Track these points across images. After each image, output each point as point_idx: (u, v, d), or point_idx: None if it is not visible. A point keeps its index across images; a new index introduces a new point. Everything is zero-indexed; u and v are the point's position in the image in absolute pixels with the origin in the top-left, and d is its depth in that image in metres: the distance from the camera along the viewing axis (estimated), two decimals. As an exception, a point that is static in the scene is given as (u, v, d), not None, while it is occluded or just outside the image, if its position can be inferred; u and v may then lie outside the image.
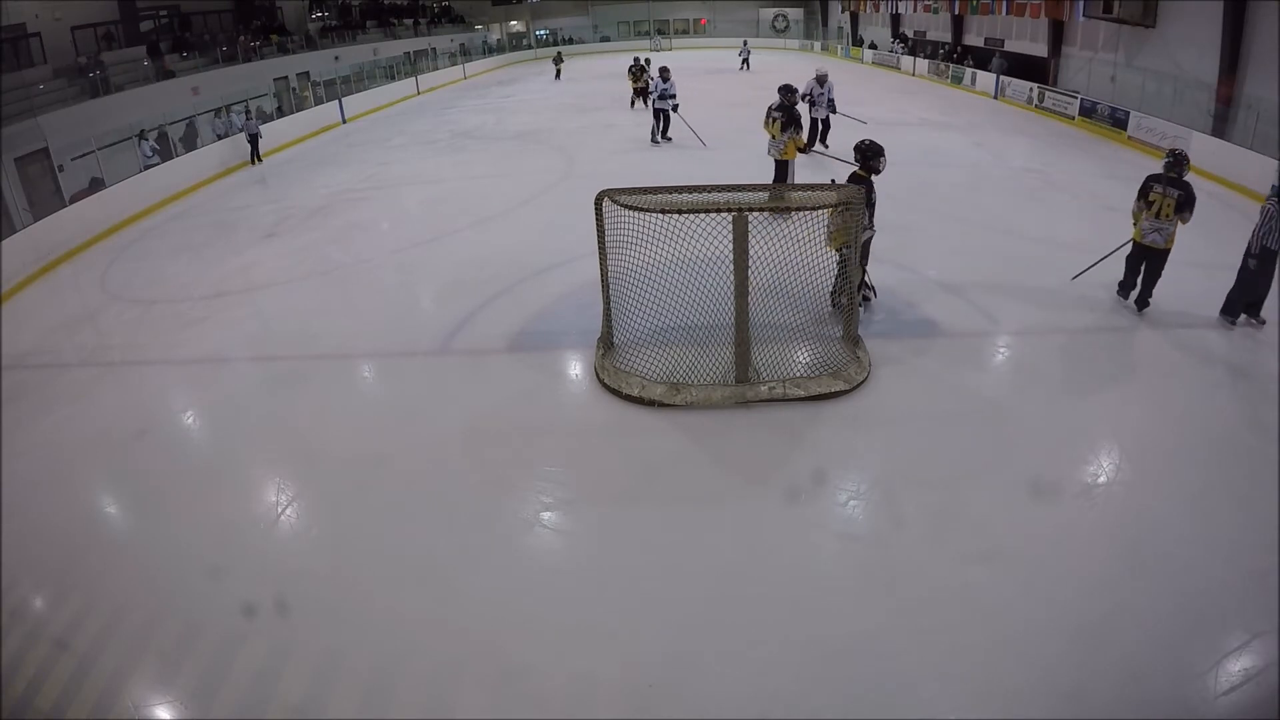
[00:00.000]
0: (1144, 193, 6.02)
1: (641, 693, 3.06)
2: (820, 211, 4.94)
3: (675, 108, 12.60)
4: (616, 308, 5.37)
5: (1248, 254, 5.62)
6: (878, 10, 27.01)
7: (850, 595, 3.51)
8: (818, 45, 32.86)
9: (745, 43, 27.35)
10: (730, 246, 4.80)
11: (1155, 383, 5.13)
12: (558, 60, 25.58)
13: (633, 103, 16.79)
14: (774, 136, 8.60)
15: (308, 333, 6.53)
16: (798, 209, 4.81)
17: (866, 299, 6.20)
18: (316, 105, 18.62)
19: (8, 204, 11.84)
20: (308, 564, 3.89)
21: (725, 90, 19.96)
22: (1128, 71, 14.10)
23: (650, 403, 4.97)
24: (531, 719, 2.98)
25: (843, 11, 31.47)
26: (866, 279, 6.11)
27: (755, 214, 4.71)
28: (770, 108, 8.65)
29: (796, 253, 4.97)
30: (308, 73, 21.63)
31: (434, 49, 29.10)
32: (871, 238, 5.96)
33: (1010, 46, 19.03)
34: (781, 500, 4.14)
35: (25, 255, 8.83)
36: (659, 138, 12.88)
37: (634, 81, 16.72)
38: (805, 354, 5.33)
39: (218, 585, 3.71)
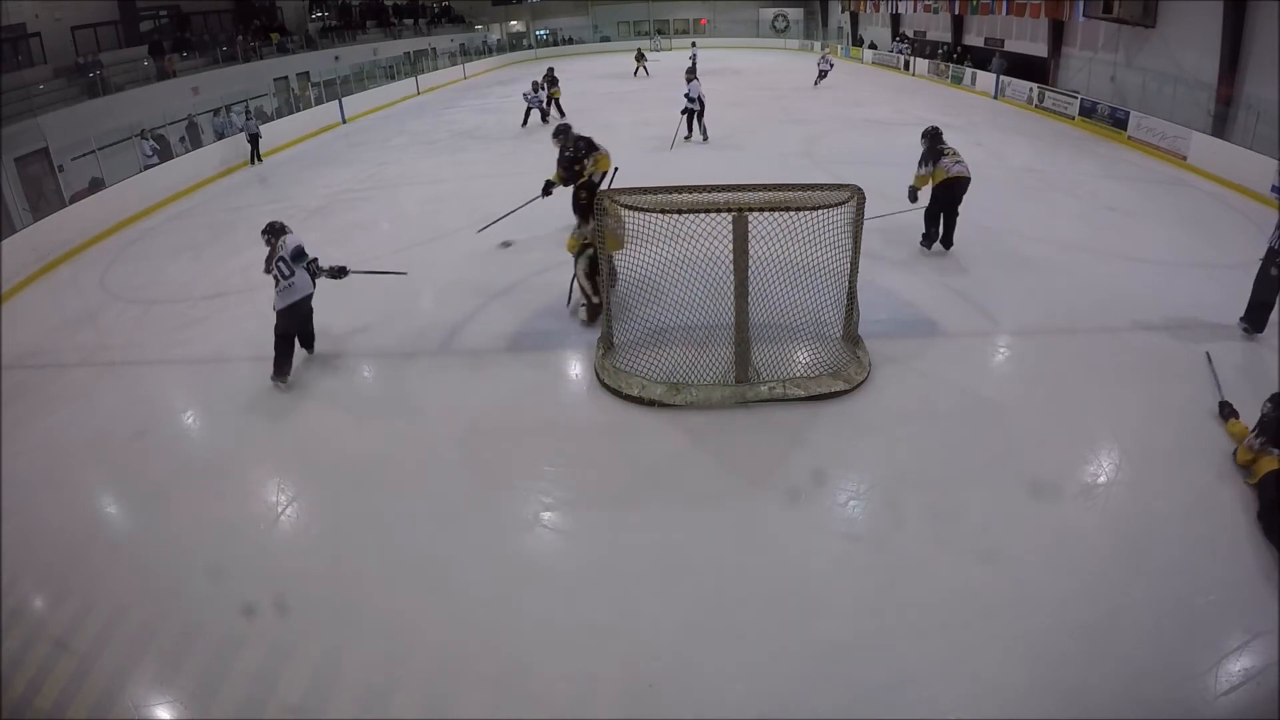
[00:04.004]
0: (936, 157, 7.00)
1: (641, 693, 3.06)
2: (820, 211, 4.93)
3: (685, 111, 12.95)
4: (616, 308, 5.37)
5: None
6: (878, 10, 27.02)
7: (850, 595, 3.51)
8: (818, 45, 32.85)
9: (694, 43, 26.94)
10: (730, 246, 4.80)
11: (1155, 383, 5.12)
12: (639, 56, 25.30)
13: (545, 116, 16.44)
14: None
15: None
16: (798, 209, 4.81)
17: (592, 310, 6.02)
18: (316, 105, 18.62)
19: (8, 204, 11.85)
20: (307, 564, 3.89)
21: (725, 91, 19.95)
22: (1128, 71, 14.10)
23: (650, 403, 4.97)
24: (531, 719, 2.98)
25: (843, 11, 31.48)
26: (585, 289, 6.03)
27: (755, 214, 4.71)
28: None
29: (797, 253, 4.97)
30: (308, 73, 21.63)
31: (434, 49, 29.09)
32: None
33: (1010, 46, 19.03)
34: (782, 500, 4.14)
35: (25, 255, 8.84)
36: (689, 136, 13.12)
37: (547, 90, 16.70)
38: (805, 354, 5.32)
39: (218, 585, 3.71)
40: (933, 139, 7.20)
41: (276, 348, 5.51)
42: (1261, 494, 3.82)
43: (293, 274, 5.47)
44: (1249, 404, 4.48)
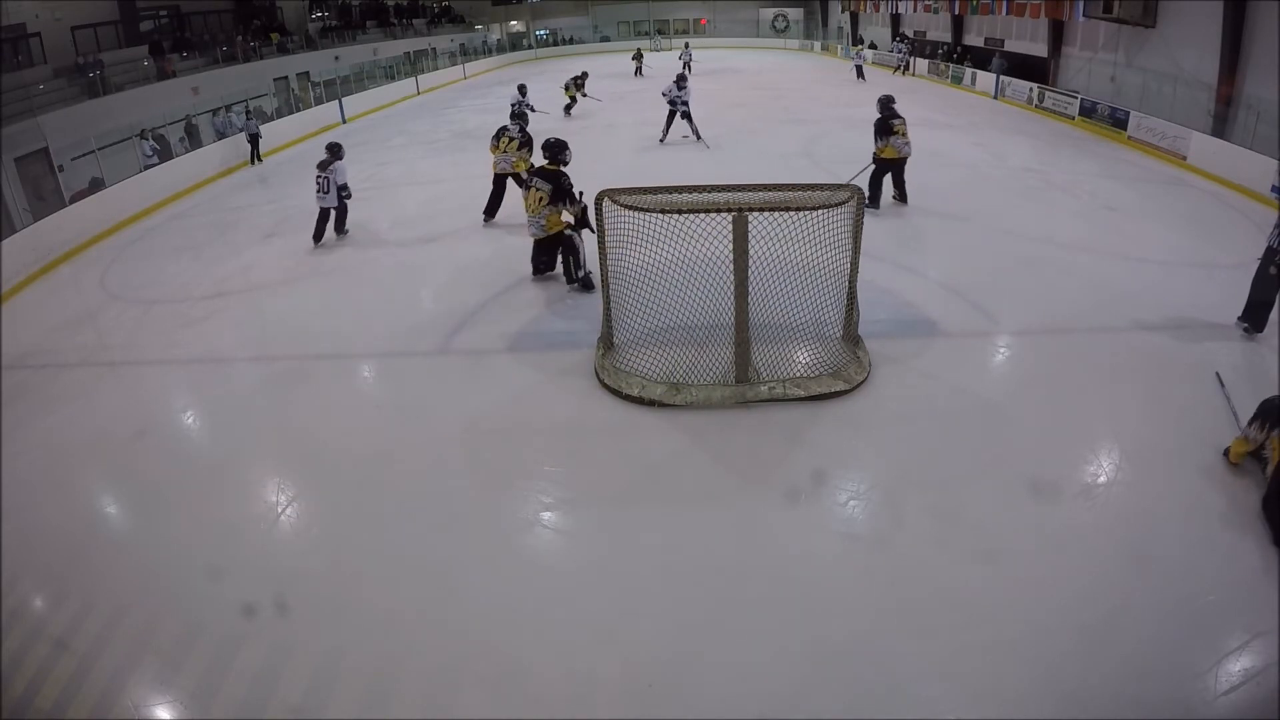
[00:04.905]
0: (889, 130, 8.40)
1: (641, 693, 3.06)
2: (820, 211, 4.93)
3: (682, 114, 13.04)
4: (616, 308, 5.37)
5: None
6: (878, 10, 27.03)
7: (850, 595, 3.51)
8: (817, 45, 32.86)
9: (687, 44, 26.84)
10: (730, 246, 4.80)
11: (1155, 383, 5.12)
12: (638, 56, 25.10)
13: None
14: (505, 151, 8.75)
15: (308, 332, 6.53)
16: (798, 209, 4.81)
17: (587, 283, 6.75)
18: (316, 105, 18.62)
19: (8, 204, 11.87)
20: (308, 563, 3.89)
21: (725, 91, 19.97)
22: (1128, 71, 14.11)
23: (650, 403, 4.97)
24: (531, 719, 2.98)
25: (843, 11, 31.49)
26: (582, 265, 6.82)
27: (755, 214, 4.71)
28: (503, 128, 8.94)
29: (797, 253, 4.97)
30: (308, 73, 21.65)
31: (434, 49, 29.10)
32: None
33: (1010, 46, 19.04)
34: (781, 500, 4.14)
35: (25, 255, 8.83)
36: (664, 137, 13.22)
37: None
38: (805, 354, 5.32)
39: (218, 585, 3.71)
40: (886, 111, 8.54)
41: (316, 225, 8.77)
42: (1276, 480, 3.75)
43: (327, 191, 8.51)
44: (1249, 405, 4.47)
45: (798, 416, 4.84)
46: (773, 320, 5.16)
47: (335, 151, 8.63)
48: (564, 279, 6.98)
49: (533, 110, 14.46)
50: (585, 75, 17.49)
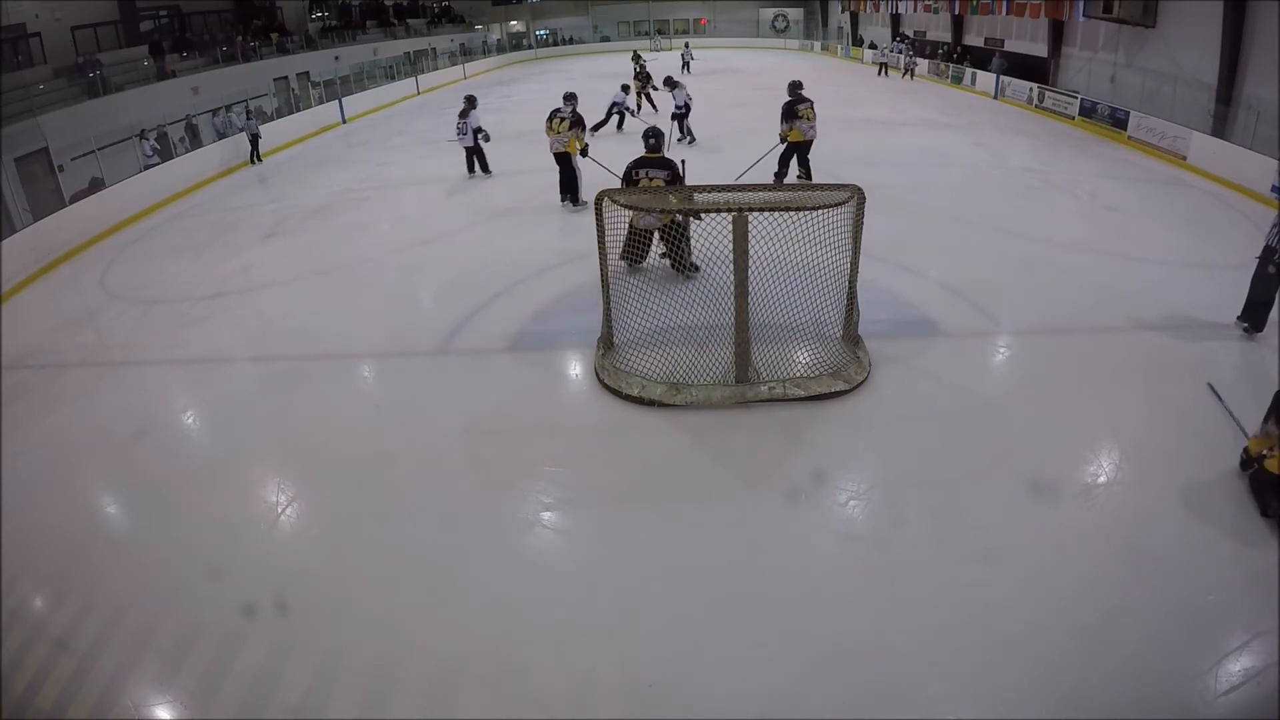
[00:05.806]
0: (794, 115, 8.95)
1: (641, 693, 3.06)
2: (820, 211, 4.93)
3: (673, 116, 13.10)
4: (616, 308, 5.37)
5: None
6: (878, 10, 27.03)
7: (850, 595, 3.51)
8: (817, 45, 32.86)
9: (687, 44, 26.29)
10: (730, 246, 4.80)
11: (1155, 383, 5.12)
12: (636, 58, 24.63)
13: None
14: (557, 134, 9.06)
15: (308, 333, 6.53)
16: (798, 209, 4.81)
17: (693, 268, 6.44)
18: (317, 105, 18.62)
19: (8, 204, 11.87)
20: (308, 563, 3.89)
21: (725, 91, 19.97)
22: (1128, 71, 14.11)
23: (650, 403, 4.97)
24: (531, 719, 2.98)
25: (843, 11, 31.49)
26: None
27: (755, 214, 4.71)
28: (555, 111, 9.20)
29: (797, 253, 4.97)
30: (308, 73, 21.64)
31: (434, 49, 29.10)
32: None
33: (1010, 46, 19.04)
34: (781, 500, 4.14)
35: (25, 255, 8.83)
36: (682, 138, 13.19)
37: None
38: (805, 354, 5.32)
39: (218, 585, 3.71)
40: (793, 95, 9.09)
41: (465, 162, 11.24)
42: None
43: (464, 133, 10.79)
44: (1249, 406, 4.48)
45: (798, 416, 4.84)
46: (773, 320, 5.16)
47: (472, 102, 10.81)
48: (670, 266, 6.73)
49: (632, 114, 14.49)
50: (641, 72, 17.38)
